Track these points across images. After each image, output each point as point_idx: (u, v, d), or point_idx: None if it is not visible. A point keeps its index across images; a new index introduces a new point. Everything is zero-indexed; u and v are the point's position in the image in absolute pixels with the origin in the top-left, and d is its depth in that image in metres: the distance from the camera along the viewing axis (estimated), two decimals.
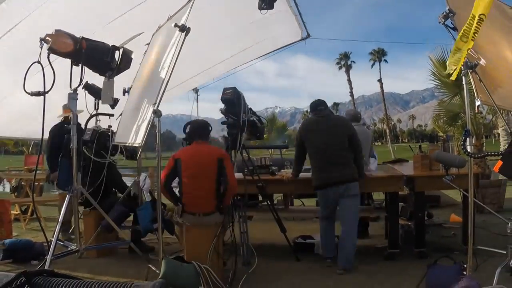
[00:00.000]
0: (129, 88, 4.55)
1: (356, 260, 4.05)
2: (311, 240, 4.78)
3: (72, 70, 3.86)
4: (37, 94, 3.51)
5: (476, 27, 2.91)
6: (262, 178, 4.49)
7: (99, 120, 4.60)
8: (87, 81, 4.13)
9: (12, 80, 5.04)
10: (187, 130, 4.06)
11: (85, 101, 4.28)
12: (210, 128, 4.04)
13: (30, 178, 7.43)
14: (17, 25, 4.65)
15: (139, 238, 4.65)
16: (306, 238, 4.88)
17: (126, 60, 4.04)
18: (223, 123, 4.33)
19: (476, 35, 2.94)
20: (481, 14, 2.91)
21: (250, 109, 4.26)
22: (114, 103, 4.33)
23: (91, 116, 4.39)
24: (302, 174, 4.46)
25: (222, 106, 4.27)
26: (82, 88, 4.07)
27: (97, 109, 4.47)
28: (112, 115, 4.51)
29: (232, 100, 4.11)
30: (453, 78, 3.20)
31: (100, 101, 4.36)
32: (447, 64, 3.16)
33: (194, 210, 3.73)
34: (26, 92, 3.48)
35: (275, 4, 5.39)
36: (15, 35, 4.76)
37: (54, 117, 5.40)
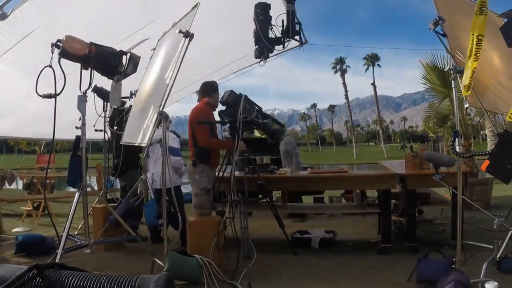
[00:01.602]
0: (136, 91, 4.55)
1: (351, 254, 4.04)
2: (308, 235, 4.78)
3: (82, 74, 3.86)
4: (49, 96, 3.51)
5: (477, 48, 2.90)
6: (262, 176, 4.48)
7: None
8: (96, 85, 4.13)
9: (26, 85, 5.02)
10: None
11: (94, 103, 4.28)
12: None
13: (42, 176, 7.42)
14: (32, 31, 4.64)
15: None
16: (303, 233, 4.88)
17: (133, 64, 4.03)
18: (220, 122, 4.27)
19: (478, 55, 2.91)
20: (478, 35, 2.89)
21: (260, 111, 4.12)
22: (121, 105, 4.33)
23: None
24: (301, 173, 4.45)
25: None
26: (91, 91, 4.07)
27: (106, 110, 4.47)
28: None
29: (228, 103, 4.06)
30: (468, 93, 3.06)
31: (108, 103, 4.36)
32: (463, 85, 3.05)
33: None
34: (38, 94, 3.48)
35: (276, 11, 5.31)
36: (29, 40, 4.74)
37: (63, 119, 5.38)
